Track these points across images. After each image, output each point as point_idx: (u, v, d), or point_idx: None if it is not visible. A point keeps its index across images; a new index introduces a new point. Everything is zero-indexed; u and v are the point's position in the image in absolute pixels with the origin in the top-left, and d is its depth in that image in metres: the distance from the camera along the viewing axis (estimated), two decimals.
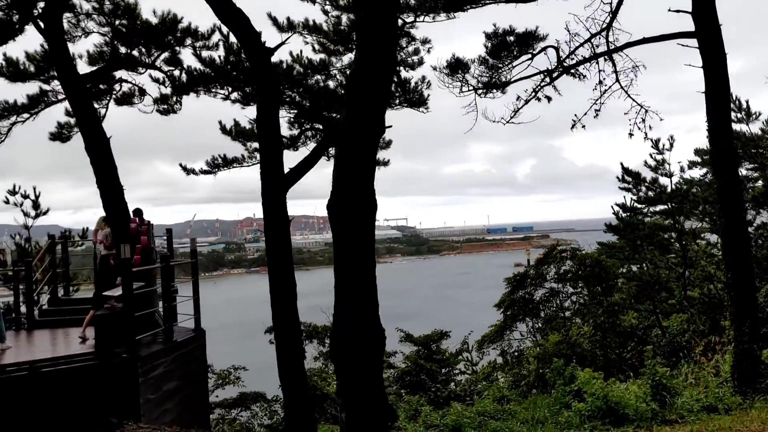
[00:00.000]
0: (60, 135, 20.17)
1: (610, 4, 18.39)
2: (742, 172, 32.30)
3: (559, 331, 28.93)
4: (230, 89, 18.55)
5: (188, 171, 20.88)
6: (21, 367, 10.24)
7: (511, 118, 20.21)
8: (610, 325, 29.24)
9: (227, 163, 20.89)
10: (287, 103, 20.24)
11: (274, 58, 17.98)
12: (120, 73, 19.92)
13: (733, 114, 27.95)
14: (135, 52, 19.28)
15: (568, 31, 19.11)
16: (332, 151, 21.45)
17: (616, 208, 31.51)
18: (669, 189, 29.60)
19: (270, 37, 19.26)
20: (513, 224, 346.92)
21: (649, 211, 32.55)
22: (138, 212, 15.89)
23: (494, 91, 20.38)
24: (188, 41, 19.29)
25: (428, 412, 16.93)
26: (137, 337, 11.58)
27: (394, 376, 22.53)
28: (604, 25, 18.41)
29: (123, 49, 18.63)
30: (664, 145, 29.52)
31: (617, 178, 30.33)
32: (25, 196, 22.03)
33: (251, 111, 19.87)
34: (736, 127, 28.75)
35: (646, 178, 30.07)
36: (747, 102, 27.18)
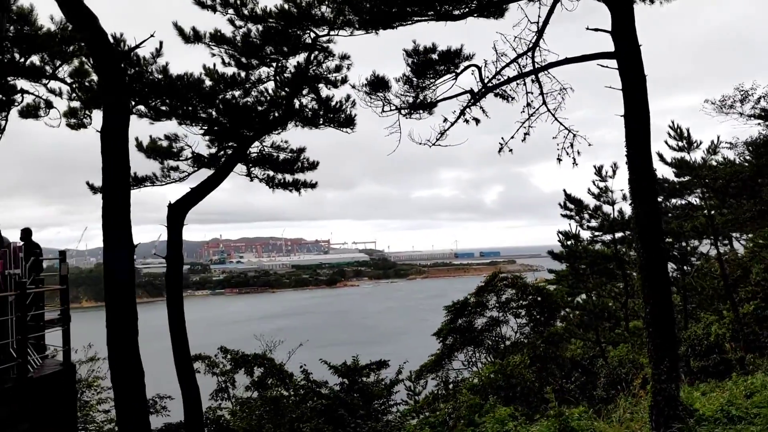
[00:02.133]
0: None
1: (537, 23, 17.69)
2: (695, 201, 31.91)
3: (500, 361, 28.01)
4: (134, 102, 17.36)
5: (95, 189, 19.55)
6: None
7: (437, 140, 19.31)
8: (551, 355, 28.42)
9: (138, 181, 19.65)
10: (202, 120, 19.19)
11: (179, 70, 16.97)
12: (23, 84, 18.68)
13: (674, 142, 27.52)
14: (36, 61, 18.08)
15: (495, 51, 18.34)
16: (258, 171, 20.43)
17: (561, 236, 30.86)
18: (612, 217, 29.04)
19: (176, 48, 18.10)
20: (480, 249, 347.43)
21: (595, 239, 31.99)
22: (24, 233, 14.55)
23: (421, 111, 19.53)
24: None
25: None
26: None
27: (315, 409, 21.21)
28: (531, 45, 17.68)
29: (19, 58, 17.36)
30: (607, 173, 29.02)
31: (559, 204, 29.69)
32: None
33: (161, 127, 18.77)
34: (678, 155, 28.31)
35: (590, 205, 29.47)
36: (688, 130, 26.75)
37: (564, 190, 29.60)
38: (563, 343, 30.13)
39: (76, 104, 19.80)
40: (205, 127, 18.48)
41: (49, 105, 19.45)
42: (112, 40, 12.63)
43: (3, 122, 19.02)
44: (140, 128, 18.76)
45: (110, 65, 10.69)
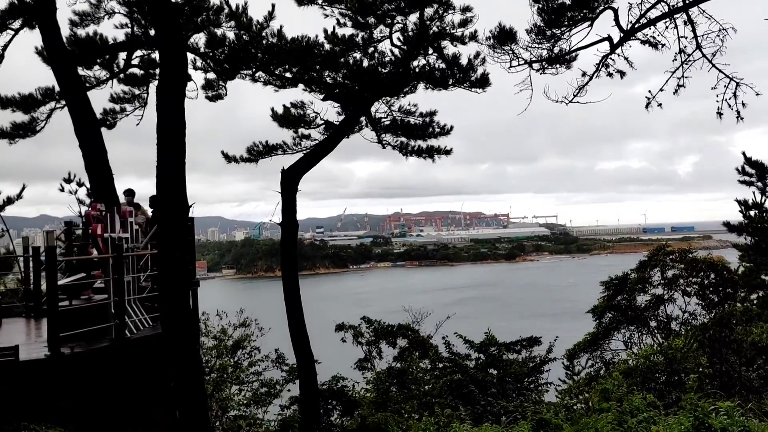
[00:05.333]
0: (104, 122, 20.00)
1: None
2: None
3: (665, 341, 25.44)
4: (254, 69, 17.34)
5: (229, 159, 20.02)
6: None
7: (575, 96, 17.45)
8: (725, 339, 25.26)
9: (269, 150, 19.82)
10: (327, 86, 18.85)
11: (295, 33, 16.67)
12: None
13: None
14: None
15: None
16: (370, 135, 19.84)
17: (740, 206, 27.10)
18: None
19: (288, 11, 17.82)
20: (672, 224, 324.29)
21: None
22: (151, 201, 15.07)
23: (557, 65, 17.75)
24: (223, 20, 18.34)
25: (457, 428, 14.78)
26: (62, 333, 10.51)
27: (447, 384, 20.33)
28: None
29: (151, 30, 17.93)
30: None
31: (736, 170, 25.92)
32: (80, 184, 22.13)
33: (285, 94, 18.69)
34: None
35: None
36: None
37: (743, 153, 25.78)
38: (743, 325, 26.75)
39: (211, 76, 20.30)
40: (324, 92, 18.07)
41: (187, 77, 20.00)
42: None
43: (145, 95, 19.93)
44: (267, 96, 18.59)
45: (166, 20, 10.53)
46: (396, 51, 17.93)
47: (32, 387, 9.85)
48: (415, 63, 18.92)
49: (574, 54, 17.37)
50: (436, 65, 18.88)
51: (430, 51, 18.09)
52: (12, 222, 28.99)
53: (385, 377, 20.83)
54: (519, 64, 17.04)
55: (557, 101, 17.55)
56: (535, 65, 17.33)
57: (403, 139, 20.67)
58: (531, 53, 17.09)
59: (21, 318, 15.90)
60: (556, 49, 17.22)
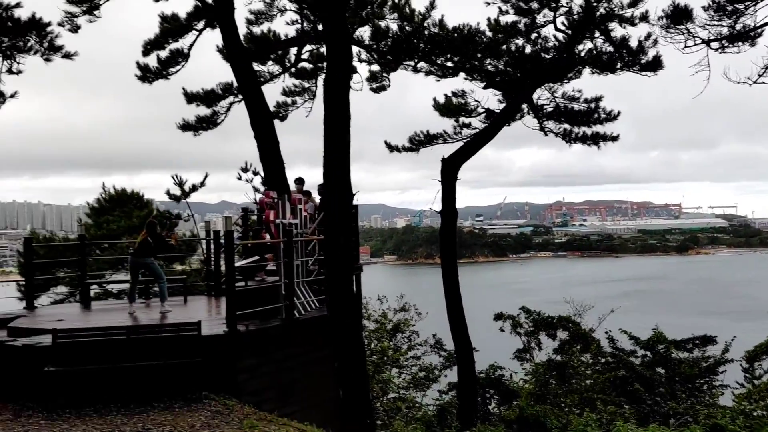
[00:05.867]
0: (277, 114, 21.20)
1: None
2: None
3: None
4: (416, 60, 17.60)
5: (392, 148, 20.52)
6: (119, 332, 10.67)
7: (760, 76, 16.05)
8: None
9: (430, 139, 20.09)
10: (488, 74, 18.75)
11: (455, 22, 16.72)
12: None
13: None
14: None
15: None
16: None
17: None
18: None
19: (449, 1, 17.89)
20: None
21: None
22: (298, 181, 15.90)
23: (739, 43, 16.40)
24: (386, 12, 18.75)
25: (621, 427, 14.22)
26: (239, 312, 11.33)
27: (610, 380, 19.57)
28: None
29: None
30: None
31: None
32: (255, 173, 23.66)
33: (446, 83, 18.84)
34: None
35: None
36: None
37: None
38: None
39: (375, 68, 20.85)
40: (486, 81, 17.98)
41: (352, 69, 20.68)
42: None
43: (314, 88, 20.89)
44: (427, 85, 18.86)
45: (333, 14, 10.93)
46: (560, 36, 17.49)
47: (212, 360, 10.72)
48: (580, 47, 18.32)
49: (759, 30, 16.00)
50: (603, 49, 18.16)
51: (597, 34, 17.42)
52: (197, 207, 31.71)
53: (545, 369, 20.47)
54: (695, 44, 15.97)
55: (739, 82, 16.26)
56: (714, 44, 16.16)
57: (567, 126, 20.11)
58: (709, 31, 15.96)
59: (203, 296, 17.41)
60: (738, 26, 15.96)
